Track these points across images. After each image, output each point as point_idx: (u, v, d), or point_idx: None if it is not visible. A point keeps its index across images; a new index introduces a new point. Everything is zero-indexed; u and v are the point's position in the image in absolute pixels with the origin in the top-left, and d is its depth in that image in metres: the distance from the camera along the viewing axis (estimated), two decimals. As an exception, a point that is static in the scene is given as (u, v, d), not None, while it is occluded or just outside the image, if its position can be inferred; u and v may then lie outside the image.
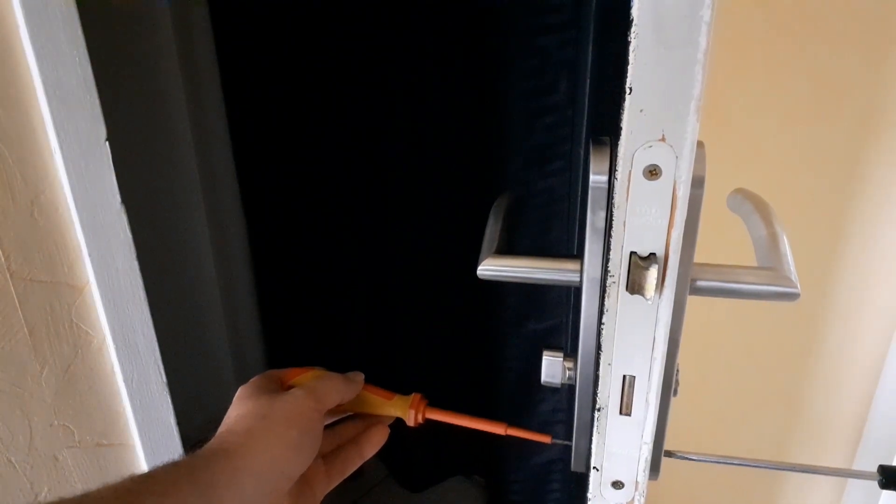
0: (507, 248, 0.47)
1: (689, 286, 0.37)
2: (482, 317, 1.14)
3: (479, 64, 0.95)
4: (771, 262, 0.40)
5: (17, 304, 0.59)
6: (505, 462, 1.13)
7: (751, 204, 0.47)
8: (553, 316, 0.97)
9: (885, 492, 0.91)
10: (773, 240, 0.42)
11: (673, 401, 0.41)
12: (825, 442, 1.02)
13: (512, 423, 0.51)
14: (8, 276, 0.58)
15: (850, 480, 1.00)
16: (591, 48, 0.66)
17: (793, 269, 0.39)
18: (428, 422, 0.53)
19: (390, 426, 0.54)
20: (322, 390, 0.47)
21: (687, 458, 0.51)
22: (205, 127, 0.94)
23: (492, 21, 0.88)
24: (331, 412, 0.50)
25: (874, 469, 0.52)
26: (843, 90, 0.81)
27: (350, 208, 1.18)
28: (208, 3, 0.93)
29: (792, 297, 0.37)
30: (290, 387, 0.50)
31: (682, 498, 1.20)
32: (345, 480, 0.51)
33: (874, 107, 0.80)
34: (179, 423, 0.71)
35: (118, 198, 0.60)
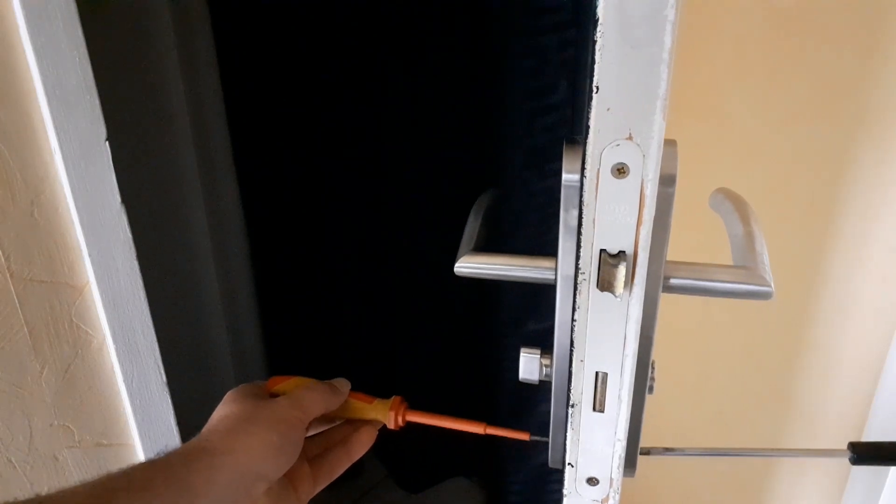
0: (486, 246, 0.47)
1: (661, 284, 0.37)
2: (482, 318, 1.14)
3: (478, 64, 0.95)
4: (746, 260, 0.40)
5: (17, 304, 0.59)
6: (504, 463, 1.13)
7: (730, 203, 0.48)
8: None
9: (887, 488, 0.91)
10: (750, 238, 0.42)
11: (670, 399, 0.41)
12: (823, 443, 1.02)
13: (508, 424, 0.51)
14: (8, 276, 0.58)
15: (851, 477, 1.00)
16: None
17: (767, 267, 0.39)
18: (419, 424, 0.53)
19: (386, 428, 0.54)
20: (308, 401, 0.47)
21: (664, 454, 0.51)
22: (205, 127, 0.94)
23: (492, 21, 0.89)
24: (317, 421, 0.50)
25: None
26: (841, 90, 0.81)
27: (350, 209, 1.18)
28: (208, 3, 0.93)
29: (765, 295, 0.38)
30: (273, 394, 0.50)
31: (680, 496, 1.20)
32: (344, 481, 0.51)
33: (871, 106, 0.80)
34: (179, 423, 0.71)
35: (118, 198, 0.60)
